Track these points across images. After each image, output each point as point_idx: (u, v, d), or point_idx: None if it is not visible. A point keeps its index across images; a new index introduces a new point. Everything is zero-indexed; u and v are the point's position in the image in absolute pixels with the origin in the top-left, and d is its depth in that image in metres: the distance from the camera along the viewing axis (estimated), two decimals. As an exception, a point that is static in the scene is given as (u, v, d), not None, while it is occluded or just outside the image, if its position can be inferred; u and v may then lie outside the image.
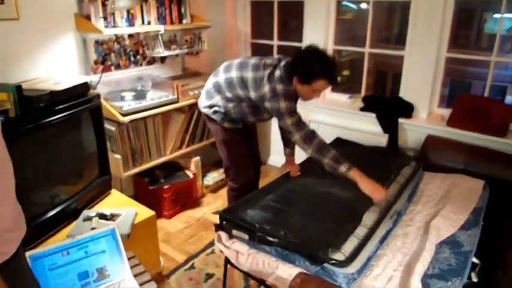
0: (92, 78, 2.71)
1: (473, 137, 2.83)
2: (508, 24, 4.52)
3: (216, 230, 2.01)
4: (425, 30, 2.93)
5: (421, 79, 3.07)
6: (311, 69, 2.16)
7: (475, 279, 1.79)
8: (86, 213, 2.12)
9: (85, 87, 2.17)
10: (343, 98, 3.52)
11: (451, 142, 2.89)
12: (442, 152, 2.85)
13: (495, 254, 2.08)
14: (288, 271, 1.76)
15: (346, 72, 4.56)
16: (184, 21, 3.14)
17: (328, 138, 3.34)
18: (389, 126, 3.17)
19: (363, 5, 3.90)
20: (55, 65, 2.55)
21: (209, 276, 2.39)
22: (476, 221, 2.09)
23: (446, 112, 3.08)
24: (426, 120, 3.10)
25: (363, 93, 3.49)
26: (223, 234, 2.01)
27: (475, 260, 1.84)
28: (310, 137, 2.22)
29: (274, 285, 1.83)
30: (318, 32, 3.42)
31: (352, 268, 1.72)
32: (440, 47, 2.94)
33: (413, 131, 3.11)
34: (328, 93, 3.61)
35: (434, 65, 2.98)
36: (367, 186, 2.14)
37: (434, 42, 2.92)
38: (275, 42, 3.82)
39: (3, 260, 0.95)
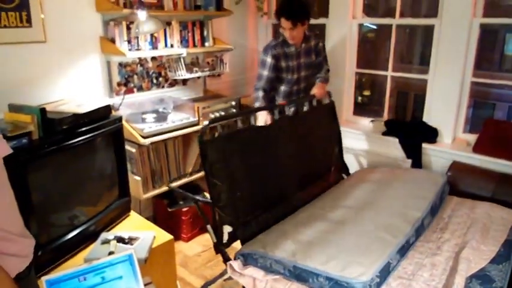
0: (114, 100, 2.75)
1: (500, 164, 2.72)
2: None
3: (224, 262, 1.99)
4: (450, 53, 2.87)
5: (445, 103, 3.00)
6: (276, 11, 2.71)
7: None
8: (104, 235, 2.11)
9: (107, 109, 2.19)
10: (365, 121, 3.46)
11: (478, 169, 2.79)
12: (469, 179, 2.76)
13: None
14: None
15: (366, 93, 4.52)
16: (206, 44, 3.18)
17: (350, 162, 3.32)
18: (413, 151, 3.09)
19: (385, 27, 3.87)
20: (79, 86, 2.60)
21: (226, 303, 2.34)
22: (507, 255, 1.99)
23: (472, 137, 2.98)
24: (451, 145, 3.01)
25: (385, 116, 3.43)
26: (235, 263, 1.97)
27: (507, 296, 1.74)
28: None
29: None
30: (340, 55, 3.40)
31: (368, 275, 1.69)
32: (465, 71, 2.87)
33: (438, 157, 3.01)
34: (349, 116, 3.56)
35: (459, 90, 2.91)
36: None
37: (459, 66, 2.86)
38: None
39: (26, 264, 0.96)
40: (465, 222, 2.31)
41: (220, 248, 2.09)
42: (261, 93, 2.78)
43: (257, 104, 2.76)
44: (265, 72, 2.78)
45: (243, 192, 2.20)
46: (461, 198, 2.57)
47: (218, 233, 2.09)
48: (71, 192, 2.05)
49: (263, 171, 2.37)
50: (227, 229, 2.10)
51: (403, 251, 1.98)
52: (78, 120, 1.96)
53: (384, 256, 1.85)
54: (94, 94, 2.70)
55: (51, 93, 2.45)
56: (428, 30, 3.01)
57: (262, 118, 2.76)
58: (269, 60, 2.76)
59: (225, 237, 2.09)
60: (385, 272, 1.81)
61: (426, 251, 2.06)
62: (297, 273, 1.83)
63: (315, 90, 2.89)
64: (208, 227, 2.14)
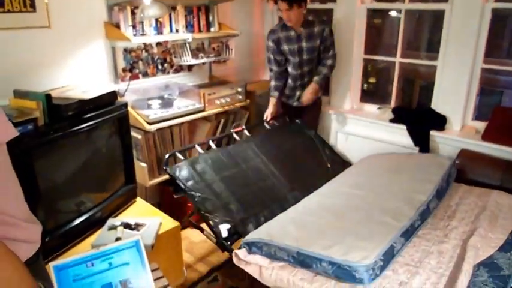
0: (119, 86, 2.73)
1: (510, 152, 2.69)
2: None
3: (223, 251, 1.99)
4: (460, 39, 2.81)
5: (454, 90, 2.95)
6: None
7: (513, 305, 1.67)
8: (111, 222, 2.12)
9: (113, 95, 2.18)
10: (372, 108, 3.42)
11: (487, 157, 2.76)
12: (477, 167, 2.73)
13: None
14: (314, 290, 1.70)
15: (372, 80, 4.46)
16: (212, 29, 3.13)
17: (358, 150, 3.30)
18: (421, 139, 3.05)
19: (393, 13, 3.80)
20: (84, 72, 2.58)
21: (232, 289, 2.35)
22: (516, 243, 1.97)
23: (481, 125, 2.94)
24: (459, 133, 2.97)
25: (392, 104, 3.39)
26: (240, 252, 1.96)
27: (514, 285, 1.73)
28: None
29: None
30: (348, 40, 3.34)
31: (371, 258, 1.70)
32: (475, 57, 2.82)
33: (446, 145, 2.98)
34: (356, 103, 3.52)
35: (469, 76, 2.86)
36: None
37: (469, 52, 2.80)
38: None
39: (34, 250, 0.95)
40: (473, 210, 2.30)
41: (221, 243, 2.10)
42: (272, 82, 3.09)
43: (271, 94, 3.09)
44: (271, 56, 3.00)
45: (229, 198, 2.31)
46: (469, 186, 2.55)
47: (215, 233, 2.12)
48: (77, 179, 2.05)
49: (243, 178, 2.49)
50: (225, 227, 2.12)
51: (408, 234, 1.99)
52: (83, 106, 1.95)
53: (387, 240, 1.85)
54: (99, 80, 2.68)
55: (56, 79, 2.43)
56: (437, 16, 2.94)
57: (269, 111, 3.06)
58: (270, 44, 2.96)
59: (224, 234, 2.11)
60: (389, 256, 1.81)
61: (433, 239, 2.05)
62: (301, 259, 1.83)
63: (304, 96, 3.03)
64: (205, 232, 2.25)
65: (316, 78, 3.00)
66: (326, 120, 3.49)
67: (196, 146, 2.57)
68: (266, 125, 3.06)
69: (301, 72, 3.03)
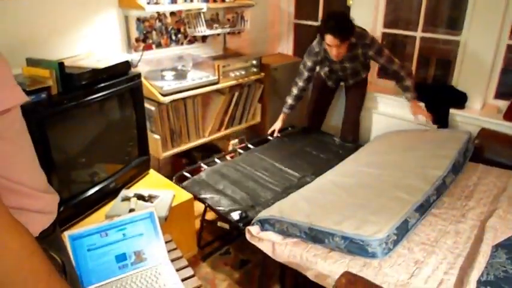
0: (132, 56, 2.68)
1: (533, 132, 2.61)
2: None
3: (237, 234, 1.99)
4: (486, 13, 2.68)
5: (477, 67, 2.84)
6: (320, 27, 2.58)
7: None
8: (124, 193, 2.12)
9: (126, 65, 2.13)
10: (390, 84, 3.33)
11: (508, 137, 2.67)
12: (498, 147, 2.65)
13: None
14: (328, 268, 1.69)
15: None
16: (227, -1, 3.04)
17: (374, 127, 3.23)
18: (440, 117, 2.97)
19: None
20: (97, 42, 2.53)
21: (244, 262, 2.36)
22: (536, 225, 1.92)
23: (503, 104, 2.84)
24: (480, 112, 2.88)
25: (411, 80, 3.29)
26: (252, 228, 1.95)
27: (533, 268, 1.69)
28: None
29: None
30: (367, 13, 3.22)
31: (383, 232, 1.68)
32: (501, 31, 2.69)
33: (466, 123, 2.89)
34: (373, 79, 3.43)
35: (493, 52, 2.74)
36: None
37: (495, 27, 2.67)
38: (319, 23, 3.65)
39: (51, 221, 0.94)
40: (491, 190, 2.24)
41: (235, 226, 2.09)
42: (289, 100, 3.02)
43: (284, 110, 3.05)
44: (304, 72, 2.91)
45: (239, 193, 2.30)
46: (488, 166, 2.49)
47: (228, 220, 2.12)
48: (91, 149, 2.05)
49: (251, 177, 2.47)
50: (236, 213, 2.11)
51: (423, 209, 1.96)
52: (97, 76, 1.91)
53: (400, 214, 1.83)
54: (112, 50, 2.63)
55: (68, 48, 2.39)
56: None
57: (277, 125, 3.05)
58: (309, 64, 2.85)
59: (236, 217, 2.10)
60: (403, 230, 1.79)
61: (450, 218, 2.01)
62: (313, 235, 1.82)
63: (414, 112, 2.92)
64: (218, 224, 2.26)
65: (408, 95, 2.88)
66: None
67: (202, 164, 2.62)
68: (270, 137, 3.05)
69: (341, 76, 3.00)
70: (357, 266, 1.67)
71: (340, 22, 2.49)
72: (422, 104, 2.90)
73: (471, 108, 2.92)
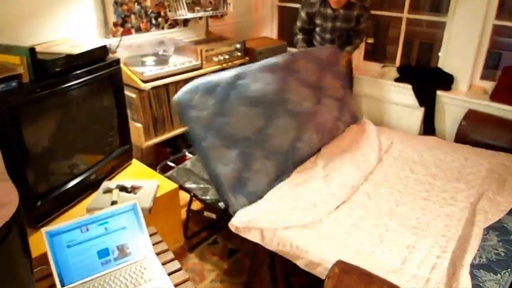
0: (111, 42, 2.56)
1: (519, 112, 2.60)
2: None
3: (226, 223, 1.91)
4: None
5: (463, 48, 2.81)
6: None
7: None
8: (106, 184, 2.03)
9: (104, 50, 2.02)
10: (376, 67, 3.28)
11: (495, 118, 2.67)
12: (485, 129, 2.64)
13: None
14: (318, 256, 1.64)
15: (370, 40, 4.31)
16: (208, -20, 2.92)
17: (360, 110, 3.19)
18: (426, 99, 2.95)
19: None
20: (71, 27, 2.40)
21: (233, 252, 2.31)
22: (525, 206, 1.92)
23: (489, 85, 2.83)
24: (467, 93, 2.87)
25: (397, 63, 3.25)
26: (236, 221, 1.87)
27: (523, 249, 1.68)
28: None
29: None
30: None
31: None
32: (488, 12, 2.66)
33: (453, 105, 2.88)
34: (360, 62, 3.38)
35: (479, 33, 2.71)
36: None
37: (481, 7, 2.64)
38: (304, 5, 3.56)
39: (5, 218, 0.76)
40: (479, 172, 2.23)
41: (222, 215, 2.04)
42: (300, 36, 2.94)
43: (298, 47, 2.95)
44: (300, 24, 2.91)
45: None
46: (476, 148, 2.47)
47: (215, 209, 2.08)
48: (69, 140, 1.94)
49: None
50: (223, 203, 2.05)
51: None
52: (72, 62, 1.80)
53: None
54: (88, 35, 2.50)
55: (42, 34, 2.26)
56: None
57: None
58: (303, 14, 2.85)
59: (223, 207, 2.04)
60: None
61: (440, 201, 2.00)
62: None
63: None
64: (205, 214, 2.21)
65: (348, 48, 2.90)
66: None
67: (187, 153, 2.61)
68: None
69: (330, 39, 2.91)
70: (348, 253, 1.64)
71: None
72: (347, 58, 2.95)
73: (458, 89, 2.91)
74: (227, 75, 2.12)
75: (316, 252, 1.66)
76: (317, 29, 2.88)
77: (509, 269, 1.53)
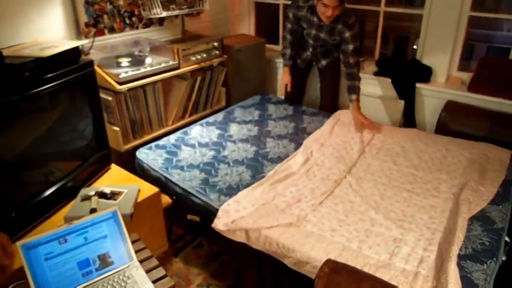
0: (83, 43, 2.47)
1: (496, 102, 2.65)
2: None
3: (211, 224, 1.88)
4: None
5: (440, 40, 2.84)
6: None
7: (503, 257, 1.65)
8: (84, 191, 1.95)
9: (76, 52, 1.94)
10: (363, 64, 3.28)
11: (473, 108, 2.71)
12: (464, 119, 2.68)
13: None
14: (306, 254, 1.62)
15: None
16: (183, -22, 2.86)
17: (342, 104, 3.18)
18: (406, 92, 2.97)
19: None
20: (41, 29, 2.31)
21: (219, 254, 2.27)
22: (506, 195, 1.95)
23: (467, 76, 2.87)
24: (445, 85, 2.90)
25: (376, 56, 3.26)
26: (219, 222, 1.84)
27: (506, 238, 1.70)
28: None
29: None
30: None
31: None
32: (463, 4, 2.69)
33: (431, 97, 2.91)
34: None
35: (455, 25, 2.74)
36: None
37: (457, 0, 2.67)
38: (281, 1, 3.54)
39: None
40: (460, 162, 2.26)
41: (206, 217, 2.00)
42: (288, 51, 2.95)
43: (285, 62, 2.99)
44: (288, 25, 2.85)
45: None
46: (456, 138, 2.50)
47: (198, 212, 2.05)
48: (43, 147, 1.86)
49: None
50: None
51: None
52: (42, 66, 1.72)
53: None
54: (59, 37, 2.41)
55: (9, 37, 2.16)
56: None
57: (286, 78, 2.97)
58: (290, 16, 2.80)
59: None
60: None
61: (424, 193, 2.01)
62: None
63: (356, 120, 2.68)
64: (189, 216, 2.14)
65: (353, 96, 2.72)
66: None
67: None
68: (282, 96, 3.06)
69: (312, 45, 2.89)
70: (335, 250, 1.62)
71: None
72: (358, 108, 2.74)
73: (436, 81, 2.94)
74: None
75: (303, 250, 1.63)
76: (304, 32, 2.85)
77: (494, 258, 1.54)
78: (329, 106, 3.10)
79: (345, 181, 2.12)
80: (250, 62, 3.33)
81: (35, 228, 1.78)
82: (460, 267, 1.48)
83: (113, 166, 2.29)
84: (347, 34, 2.61)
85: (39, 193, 1.82)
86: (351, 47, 2.64)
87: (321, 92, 3.14)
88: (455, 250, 1.53)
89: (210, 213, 1.96)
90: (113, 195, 1.92)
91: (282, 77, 3.07)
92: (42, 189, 1.84)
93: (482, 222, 1.74)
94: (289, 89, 3.03)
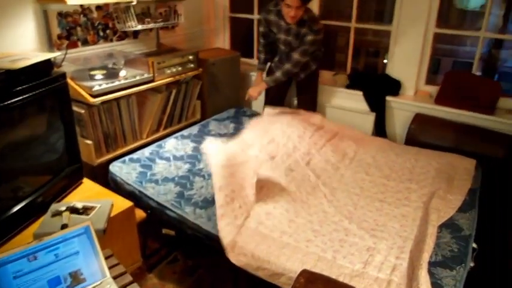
0: (55, 55, 2.43)
1: (461, 114, 2.77)
2: (480, 1, 4.54)
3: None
4: (414, 4, 2.80)
5: (408, 56, 2.96)
6: None
7: (471, 263, 1.71)
8: (54, 207, 1.90)
9: (48, 65, 1.91)
10: (328, 75, 3.36)
11: (440, 120, 2.82)
12: (431, 131, 2.78)
13: (491, 237, 2.03)
14: (281, 266, 1.63)
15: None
16: (158, -8, 2.87)
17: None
18: (377, 104, 3.06)
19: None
20: (11, 41, 2.26)
21: (194, 268, 2.24)
22: (473, 203, 2.03)
23: (434, 89, 2.99)
24: (414, 98, 3.01)
25: (348, 70, 3.35)
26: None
27: (474, 245, 1.77)
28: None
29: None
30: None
31: None
32: (429, 21, 2.82)
33: (401, 109, 3.01)
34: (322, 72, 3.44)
35: (422, 41, 2.87)
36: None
37: (423, 17, 2.80)
38: (255, 16, 3.60)
39: None
40: (429, 172, 2.33)
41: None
42: (262, 55, 3.07)
43: (258, 66, 3.11)
44: (261, 29, 2.95)
45: None
46: (425, 149, 2.59)
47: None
48: (12, 161, 1.81)
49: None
50: None
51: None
52: (13, 78, 1.68)
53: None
54: (30, 49, 2.36)
55: (-22, 48, 2.11)
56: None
57: (258, 88, 2.94)
58: (262, 20, 2.89)
59: None
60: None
61: (395, 202, 2.06)
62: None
63: (249, 91, 2.93)
64: (164, 230, 2.17)
65: (267, 78, 2.88)
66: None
67: None
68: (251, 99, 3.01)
69: (284, 51, 2.92)
70: (311, 261, 1.64)
71: None
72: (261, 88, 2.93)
73: (405, 94, 3.04)
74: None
75: (278, 262, 1.64)
76: (276, 38, 2.91)
77: (463, 264, 1.60)
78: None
79: (319, 191, 2.15)
80: (225, 75, 3.36)
81: (2, 245, 1.71)
82: (431, 274, 1.52)
83: (85, 180, 2.24)
84: (308, 37, 2.68)
85: (7, 209, 1.76)
86: (303, 46, 2.72)
87: (299, 106, 3.18)
88: (425, 257, 1.57)
89: (185, 226, 1.94)
90: (85, 210, 1.88)
91: (255, 80, 3.13)
92: (10, 205, 1.78)
93: (450, 230, 1.81)
94: (255, 97, 2.96)
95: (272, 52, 3.04)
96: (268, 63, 3.12)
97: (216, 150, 2.39)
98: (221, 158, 2.26)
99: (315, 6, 3.23)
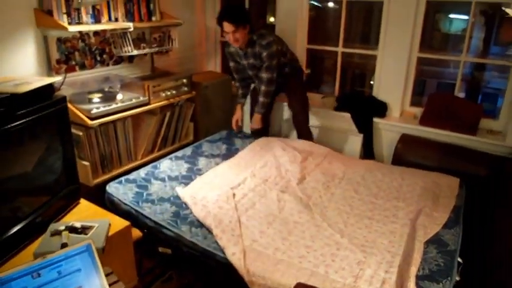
0: (56, 80, 2.51)
1: (444, 134, 2.89)
2: (461, 25, 4.75)
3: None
4: (398, 29, 2.95)
5: (393, 78, 3.10)
6: (217, 19, 2.74)
7: (457, 277, 1.79)
8: (53, 226, 1.94)
9: (50, 88, 1.98)
10: (317, 97, 3.49)
11: (425, 140, 2.94)
12: (417, 150, 2.89)
13: (475, 252, 2.12)
14: (276, 281, 1.69)
15: (307, 71, 4.58)
16: (153, 18, 2.99)
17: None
18: (364, 126, 3.17)
19: (330, 4, 3.90)
20: (12, 65, 2.34)
21: (189, 287, 2.27)
22: (457, 220, 2.12)
23: (418, 110, 3.12)
24: (399, 119, 3.14)
25: (336, 92, 3.48)
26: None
27: (459, 259, 1.85)
28: None
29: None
30: (290, 30, 3.37)
31: None
32: (412, 46, 2.97)
33: (388, 130, 3.13)
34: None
35: (406, 65, 3.02)
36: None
37: (406, 42, 2.95)
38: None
39: None
40: (415, 190, 2.42)
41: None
42: (239, 91, 3.23)
43: (238, 100, 3.25)
44: (230, 64, 3.12)
45: None
46: (411, 168, 2.69)
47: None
48: (12, 182, 1.85)
49: None
50: None
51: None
52: (17, 102, 1.75)
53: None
54: (30, 73, 2.44)
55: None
56: (369, 11, 3.05)
57: (237, 115, 3.20)
58: (226, 54, 3.08)
59: None
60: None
61: (383, 220, 2.14)
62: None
63: (251, 125, 3.14)
64: (160, 249, 2.21)
65: (256, 109, 3.04)
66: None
67: None
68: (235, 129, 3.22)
69: (254, 75, 3.05)
70: (304, 276, 1.70)
71: (233, 9, 2.74)
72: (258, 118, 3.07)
73: (391, 116, 3.17)
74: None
75: (273, 278, 1.70)
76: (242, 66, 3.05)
77: (449, 278, 1.67)
78: (302, 116, 3.15)
79: (310, 210, 2.22)
80: (217, 98, 3.47)
81: (2, 265, 1.74)
82: (419, 287, 1.59)
83: (82, 201, 2.28)
84: (264, 53, 2.83)
85: (7, 230, 1.79)
86: (265, 64, 2.86)
87: (290, 108, 3.21)
88: (413, 271, 1.65)
89: (182, 244, 1.99)
90: (84, 230, 1.92)
91: (235, 112, 3.26)
92: (10, 225, 1.81)
93: (436, 245, 1.89)
94: (239, 123, 3.24)
95: (248, 86, 3.25)
96: (247, 96, 3.32)
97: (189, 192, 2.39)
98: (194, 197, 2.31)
99: (303, 30, 3.38)
